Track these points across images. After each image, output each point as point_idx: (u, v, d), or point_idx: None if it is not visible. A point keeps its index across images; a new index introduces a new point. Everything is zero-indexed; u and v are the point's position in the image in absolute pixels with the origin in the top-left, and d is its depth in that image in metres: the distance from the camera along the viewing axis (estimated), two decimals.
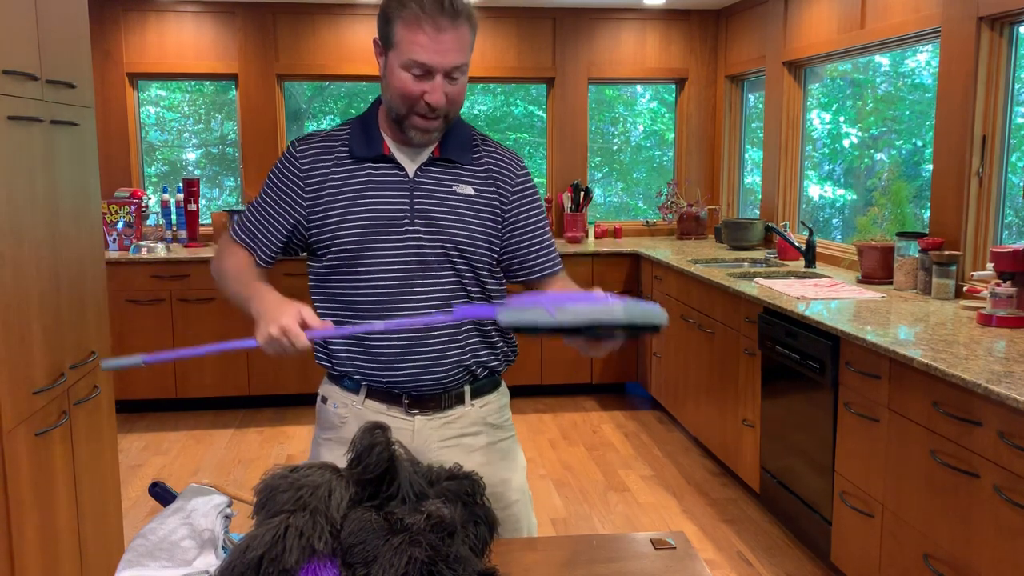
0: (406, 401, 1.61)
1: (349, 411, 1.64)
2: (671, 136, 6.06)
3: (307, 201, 1.60)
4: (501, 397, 1.73)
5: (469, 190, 1.61)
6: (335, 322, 1.59)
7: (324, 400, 1.69)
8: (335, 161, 1.61)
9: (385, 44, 1.53)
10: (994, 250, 2.83)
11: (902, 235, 3.50)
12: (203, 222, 5.43)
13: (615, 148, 6.37)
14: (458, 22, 1.47)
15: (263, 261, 1.65)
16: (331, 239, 1.58)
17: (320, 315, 1.64)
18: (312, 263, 1.66)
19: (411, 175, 1.59)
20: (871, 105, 5.07)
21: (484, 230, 1.61)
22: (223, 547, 1.26)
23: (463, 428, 1.65)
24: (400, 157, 1.60)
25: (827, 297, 3.37)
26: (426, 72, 1.48)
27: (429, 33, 1.45)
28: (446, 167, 1.61)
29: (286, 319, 1.38)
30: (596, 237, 5.69)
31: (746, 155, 5.69)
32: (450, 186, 1.60)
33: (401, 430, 1.58)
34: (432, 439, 1.62)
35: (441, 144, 1.61)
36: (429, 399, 1.62)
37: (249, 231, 1.65)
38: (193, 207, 5.15)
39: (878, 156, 5.14)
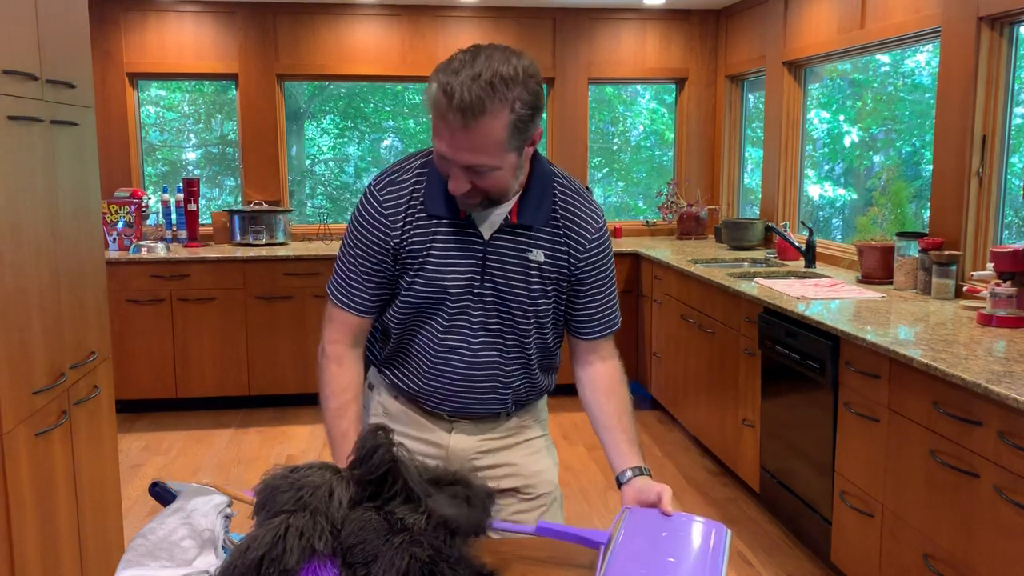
0: (446, 416, 1.67)
1: (395, 406, 1.69)
2: (671, 136, 6.06)
3: (397, 255, 1.56)
4: (541, 399, 1.76)
5: (541, 256, 1.56)
6: (387, 347, 1.64)
7: (371, 387, 1.74)
8: (416, 217, 1.54)
9: None
10: (994, 250, 2.83)
11: (902, 235, 3.50)
12: (203, 222, 5.43)
13: (615, 148, 6.37)
14: (475, 123, 1.33)
15: (368, 315, 1.62)
16: (404, 291, 1.57)
17: (369, 344, 1.68)
18: None
19: (486, 239, 1.54)
20: (871, 105, 5.07)
21: (549, 295, 1.60)
22: (223, 547, 1.26)
23: (500, 434, 1.69)
24: (477, 219, 1.53)
25: (827, 297, 3.37)
26: (446, 159, 1.41)
27: (441, 128, 1.37)
28: (522, 233, 1.55)
29: None
30: None
31: (746, 155, 5.69)
32: (523, 252, 1.55)
33: (440, 435, 1.67)
34: (469, 442, 1.67)
35: (520, 207, 1.54)
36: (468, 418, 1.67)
37: (347, 294, 1.60)
38: (193, 207, 5.15)
39: (877, 157, 5.14)
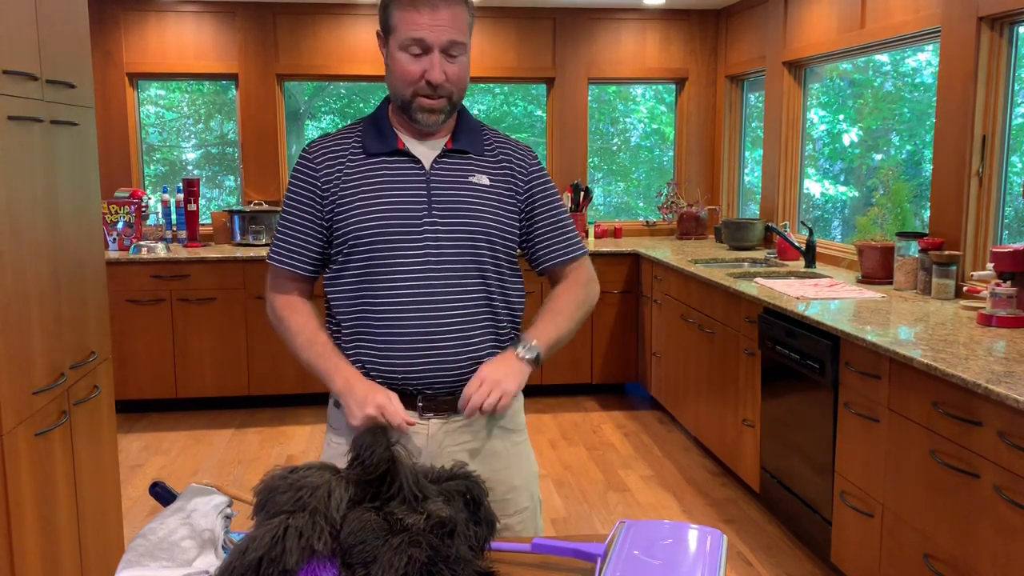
0: (420, 404, 1.60)
1: None
2: (671, 135, 6.06)
3: (325, 201, 1.60)
4: (516, 399, 1.71)
5: (484, 180, 1.63)
6: (349, 318, 1.61)
7: (337, 404, 1.67)
8: (349, 158, 1.62)
9: (385, 31, 1.58)
10: (994, 250, 2.83)
11: (902, 235, 3.50)
12: (203, 222, 5.43)
13: (615, 148, 6.37)
14: (445, 3, 1.52)
15: (308, 273, 1.65)
16: (348, 235, 1.58)
17: (335, 313, 1.65)
18: (330, 261, 1.65)
19: (427, 167, 1.61)
20: (871, 104, 5.07)
21: (501, 217, 1.63)
22: (223, 547, 1.26)
23: (477, 432, 1.64)
24: (415, 150, 1.62)
25: (827, 297, 3.37)
26: (424, 50, 1.53)
27: (423, 11, 1.51)
28: (460, 158, 1.64)
29: (381, 398, 1.50)
30: (596, 237, 5.69)
31: (746, 155, 5.69)
32: (466, 176, 1.62)
33: (416, 433, 1.58)
34: (446, 443, 1.61)
35: (453, 136, 1.64)
36: (444, 400, 1.60)
37: (283, 252, 1.64)
38: (193, 207, 5.15)
39: (878, 156, 5.14)
